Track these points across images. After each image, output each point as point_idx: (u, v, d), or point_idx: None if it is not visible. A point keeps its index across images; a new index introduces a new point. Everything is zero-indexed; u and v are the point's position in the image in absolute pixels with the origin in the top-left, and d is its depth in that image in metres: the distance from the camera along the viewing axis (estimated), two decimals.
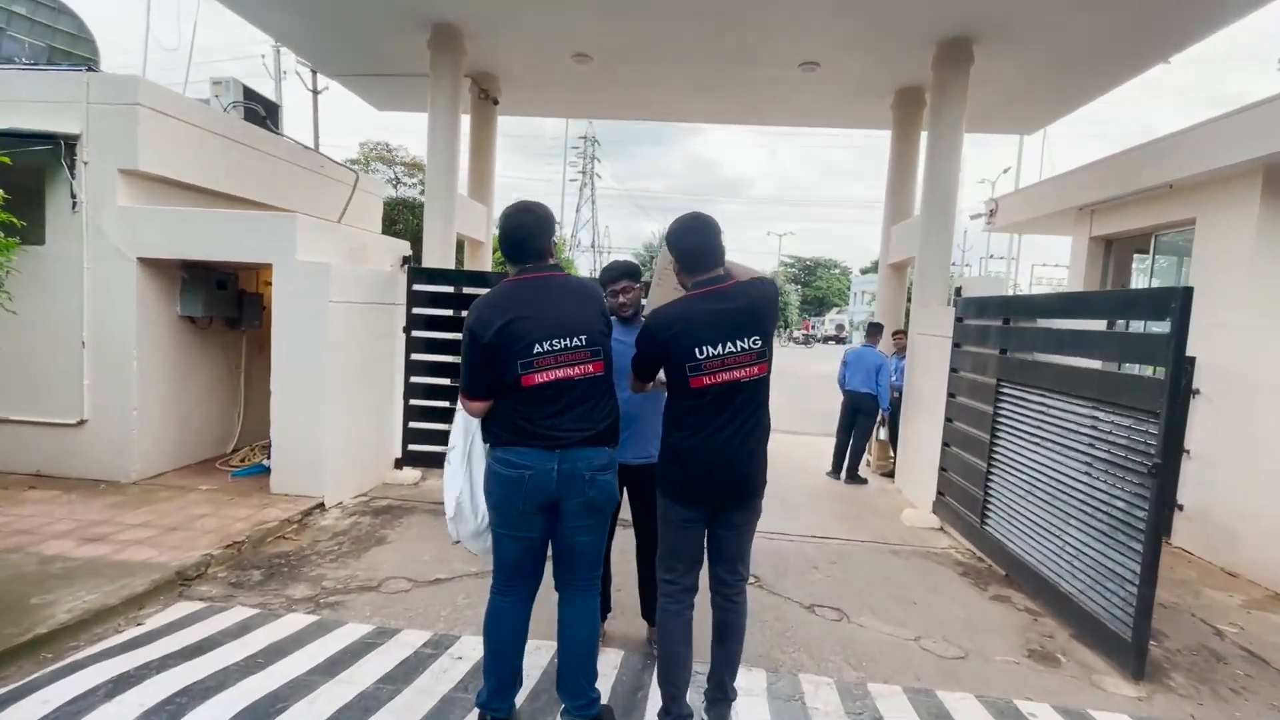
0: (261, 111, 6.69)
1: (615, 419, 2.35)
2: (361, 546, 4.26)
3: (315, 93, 18.05)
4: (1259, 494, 4.58)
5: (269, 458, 5.13)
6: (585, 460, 2.23)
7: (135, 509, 4.47)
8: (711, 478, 2.29)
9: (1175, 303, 2.90)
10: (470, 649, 2.97)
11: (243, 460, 5.75)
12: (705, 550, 2.46)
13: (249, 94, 6.69)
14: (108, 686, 2.47)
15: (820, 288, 66.72)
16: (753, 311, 2.27)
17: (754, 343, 2.24)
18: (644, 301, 3.05)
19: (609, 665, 2.89)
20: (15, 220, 2.89)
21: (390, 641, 3.03)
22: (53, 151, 4.76)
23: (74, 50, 6.69)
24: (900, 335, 7.23)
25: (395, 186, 25.49)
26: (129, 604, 3.17)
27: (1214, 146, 5.16)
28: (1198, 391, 5.09)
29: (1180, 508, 5.26)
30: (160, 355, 5.25)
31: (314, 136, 18.06)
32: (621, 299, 2.96)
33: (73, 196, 4.89)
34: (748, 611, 2.48)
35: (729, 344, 2.22)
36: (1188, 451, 5.18)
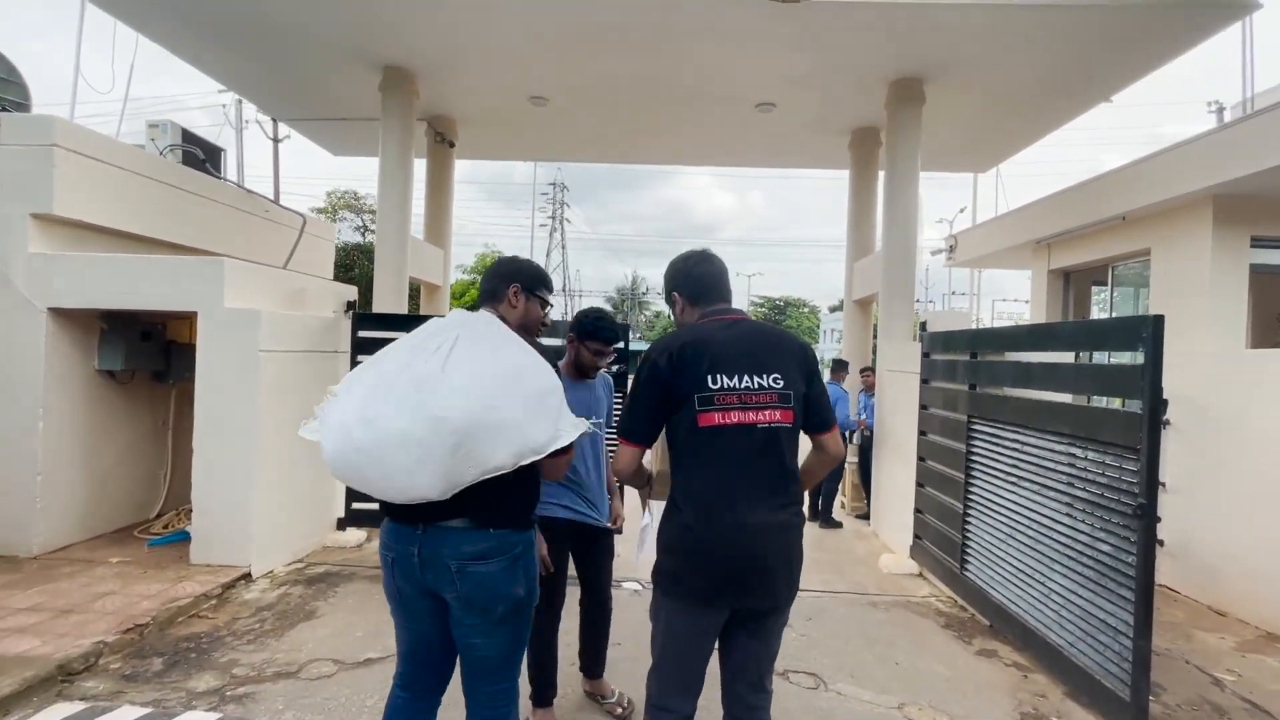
0: (200, 155, 6.41)
1: (505, 482, 1.65)
2: (287, 623, 3.81)
3: (276, 141, 17.85)
4: (1236, 527, 4.44)
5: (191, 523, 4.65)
6: (450, 545, 1.67)
7: (27, 589, 3.95)
8: (736, 571, 1.73)
9: (1146, 332, 2.76)
10: None
11: (166, 526, 5.24)
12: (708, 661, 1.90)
13: (188, 137, 6.43)
14: None
15: (790, 326, 67.73)
16: (776, 346, 1.87)
17: (775, 381, 1.81)
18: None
19: None
20: None
21: None
22: None
23: (4, 95, 6.38)
24: (868, 373, 7.10)
25: (364, 234, 25.26)
26: None
27: (1164, 179, 5.22)
28: (1168, 423, 4.99)
29: (1161, 543, 5.08)
30: (72, 414, 4.79)
31: (274, 183, 17.78)
32: (600, 361, 2.74)
33: None
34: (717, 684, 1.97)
35: (748, 377, 1.79)
36: (1164, 485, 5.04)
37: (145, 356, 5.21)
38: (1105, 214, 5.88)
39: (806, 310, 69.82)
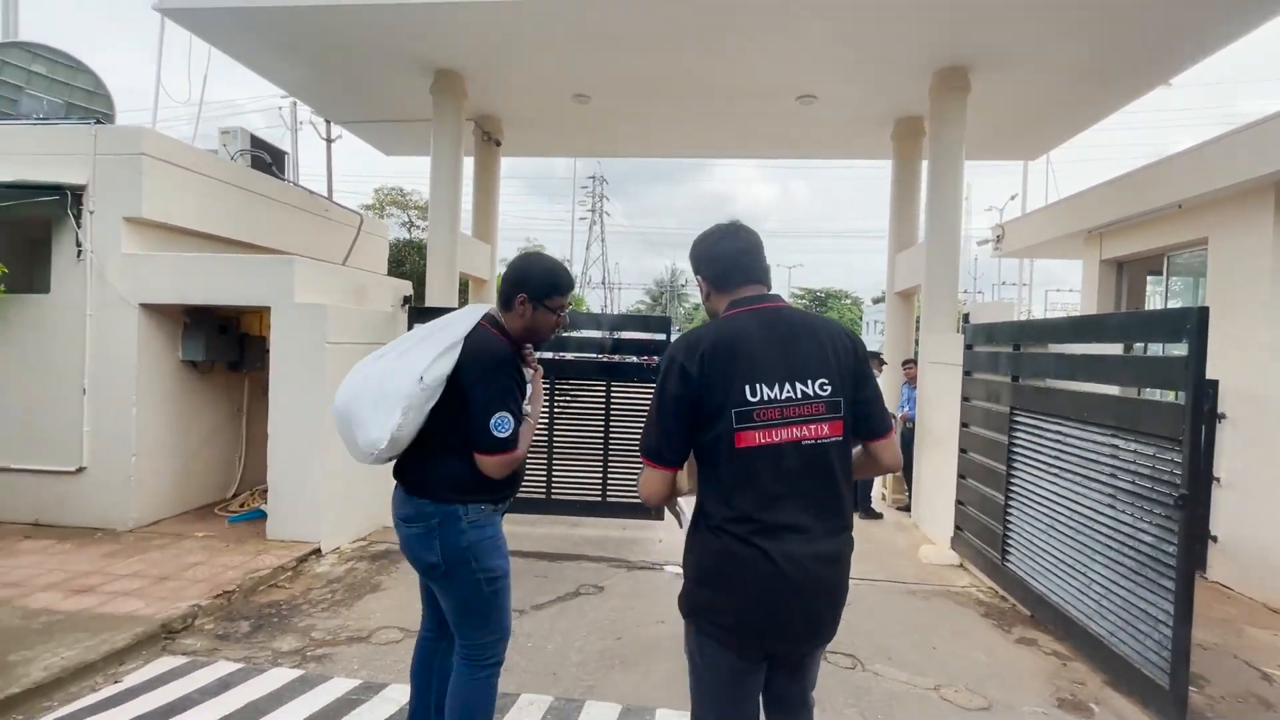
0: (268, 159, 6.83)
1: (435, 459, 1.98)
2: (355, 594, 4.13)
3: (329, 141, 18.59)
4: None
5: (267, 503, 5.04)
6: (395, 505, 2.06)
7: (128, 558, 4.38)
8: (784, 612, 1.51)
9: (1190, 323, 2.77)
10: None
11: (242, 505, 5.67)
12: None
13: (256, 142, 6.84)
14: None
15: (833, 318, 66.45)
16: (821, 342, 1.58)
17: (823, 388, 1.53)
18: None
19: None
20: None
21: (375, 698, 2.88)
22: (59, 202, 4.86)
23: (91, 106, 6.89)
24: (910, 365, 7.07)
25: (409, 230, 25.98)
26: (109, 660, 3.06)
27: (1222, 165, 5.06)
28: (1223, 416, 4.88)
29: (1214, 539, 4.98)
30: (161, 401, 5.23)
31: (327, 182, 18.53)
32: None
33: (78, 245, 4.96)
34: None
35: (790, 385, 1.52)
36: (1218, 480, 4.94)
37: (222, 348, 5.63)
38: (1160, 202, 5.72)
39: (849, 302, 68.55)
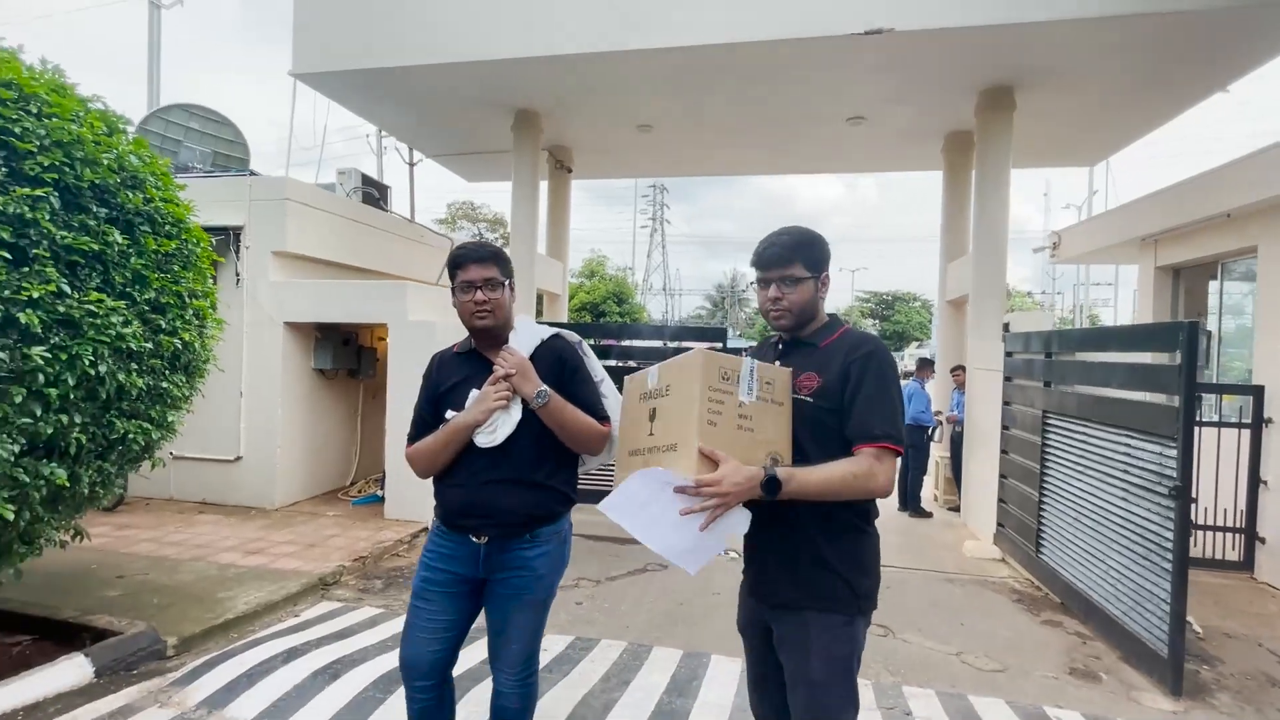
0: (375, 194, 7.90)
1: None
2: None
3: (411, 165, 20.11)
4: None
5: (382, 489, 5.98)
6: None
7: (281, 530, 5.38)
8: None
9: (1182, 335, 3.16)
10: (554, 644, 3.53)
11: (359, 491, 6.67)
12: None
13: (366, 180, 7.93)
14: (283, 656, 3.21)
15: (899, 322, 64.74)
16: None
17: None
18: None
19: None
20: (218, 317, 3.79)
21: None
22: (225, 240, 5.97)
23: (232, 154, 8.17)
24: (959, 371, 7.38)
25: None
26: (286, 601, 3.96)
27: (1266, 175, 5.22)
28: (1269, 421, 5.03)
29: (1262, 541, 5.13)
30: (298, 402, 6.28)
31: (410, 203, 20.06)
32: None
33: (237, 274, 6.07)
34: None
35: None
36: (1265, 483, 5.09)
37: (345, 358, 6.66)
38: (1209, 211, 5.86)
39: (918, 304, 66.55)
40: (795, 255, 1.65)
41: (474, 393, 1.91)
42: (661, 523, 1.49)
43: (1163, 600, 3.30)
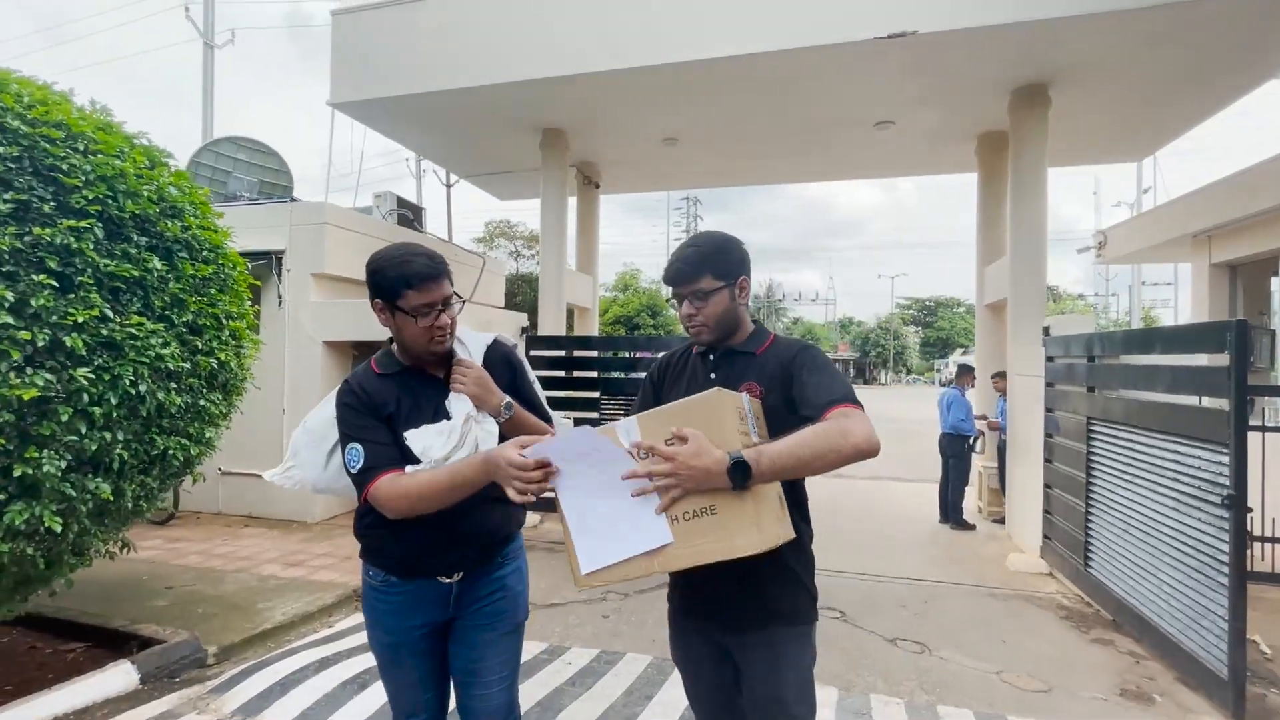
0: (410, 216, 8.14)
1: None
2: None
3: (448, 186, 20.70)
4: None
5: None
6: None
7: (319, 543, 5.54)
8: None
9: (1231, 334, 2.98)
10: (579, 658, 3.52)
11: None
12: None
13: (401, 202, 8.19)
14: (315, 665, 3.30)
15: (943, 328, 62.98)
16: None
17: None
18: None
19: None
20: (254, 338, 3.96)
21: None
22: (268, 264, 6.24)
23: (277, 181, 8.58)
24: (999, 378, 7.13)
25: (516, 259, 27.84)
26: (322, 611, 4.07)
27: None
28: None
29: None
30: None
31: (447, 224, 20.62)
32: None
33: (279, 296, 6.33)
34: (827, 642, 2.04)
35: None
36: None
37: None
38: (1264, 205, 5.55)
39: (961, 310, 64.66)
40: (703, 268, 1.59)
41: (443, 423, 1.64)
42: (590, 489, 1.32)
43: (1220, 617, 3.09)
